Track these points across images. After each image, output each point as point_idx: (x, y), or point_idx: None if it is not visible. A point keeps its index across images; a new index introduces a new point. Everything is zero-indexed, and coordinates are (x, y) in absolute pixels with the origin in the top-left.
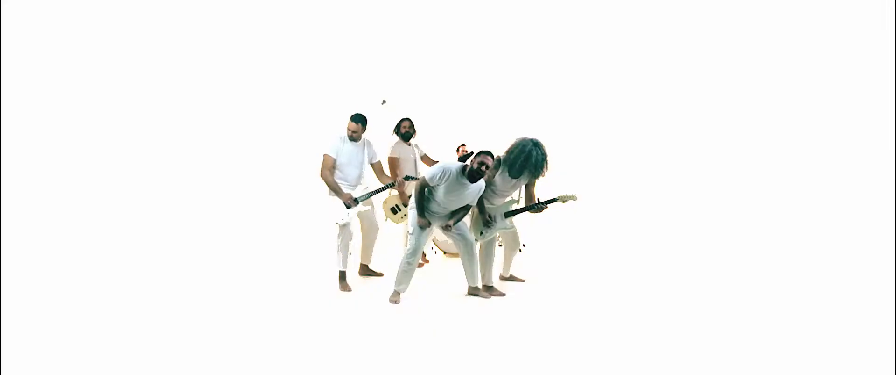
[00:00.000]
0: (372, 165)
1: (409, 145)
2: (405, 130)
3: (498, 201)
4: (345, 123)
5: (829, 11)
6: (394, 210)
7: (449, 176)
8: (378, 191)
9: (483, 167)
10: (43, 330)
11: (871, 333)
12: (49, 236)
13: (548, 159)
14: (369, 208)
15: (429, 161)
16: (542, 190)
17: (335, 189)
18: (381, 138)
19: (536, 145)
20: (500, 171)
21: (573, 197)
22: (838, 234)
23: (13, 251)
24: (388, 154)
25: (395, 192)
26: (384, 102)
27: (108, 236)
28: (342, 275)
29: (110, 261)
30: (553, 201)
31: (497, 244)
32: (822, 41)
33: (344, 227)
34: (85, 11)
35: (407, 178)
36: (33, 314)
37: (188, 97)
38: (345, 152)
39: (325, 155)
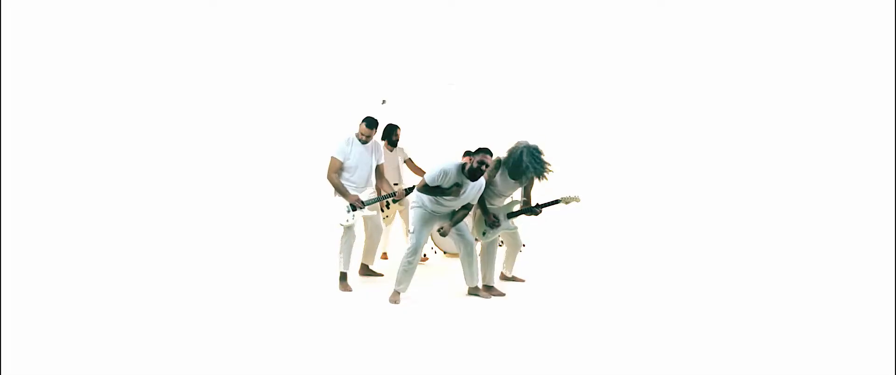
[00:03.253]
0: (377, 167)
1: (392, 151)
2: (397, 139)
3: (498, 202)
4: (349, 125)
5: (829, 11)
6: (387, 205)
7: (448, 176)
8: (383, 198)
9: (483, 166)
10: (44, 330)
11: (871, 333)
12: (50, 235)
13: (546, 162)
14: (375, 212)
15: (412, 165)
16: (544, 192)
17: (341, 191)
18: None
19: (531, 151)
20: (500, 171)
21: (576, 198)
22: (838, 234)
23: (15, 251)
24: None
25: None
26: (384, 102)
27: (109, 235)
28: (343, 276)
29: (112, 261)
30: (556, 202)
31: (498, 244)
32: (821, 41)
33: (348, 229)
34: (91, 11)
35: (407, 191)
36: (34, 314)
37: (192, 98)
38: (353, 154)
39: (332, 158)
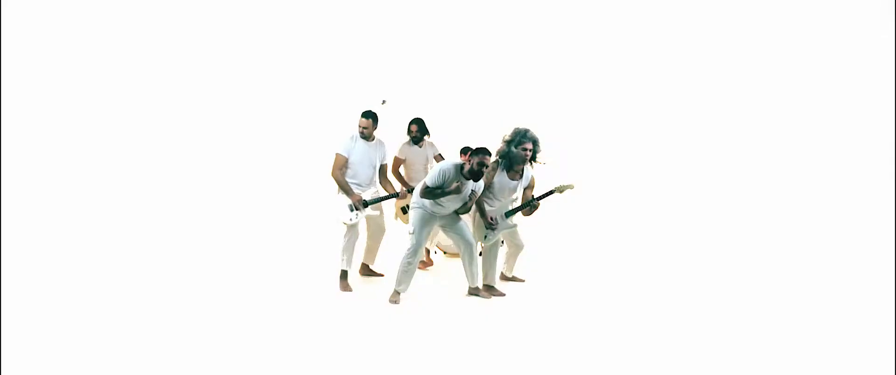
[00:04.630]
0: (381, 166)
1: (421, 146)
2: (414, 135)
3: (497, 204)
4: (353, 122)
5: (829, 11)
6: (404, 210)
7: (447, 177)
8: (387, 198)
9: (482, 167)
10: (44, 330)
11: (870, 333)
12: (51, 235)
13: (538, 142)
14: (378, 212)
15: (441, 159)
16: (540, 185)
17: (345, 189)
18: (386, 138)
19: (527, 133)
20: (497, 173)
21: (570, 186)
22: (838, 233)
23: (16, 251)
24: (395, 153)
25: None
26: (384, 102)
27: (111, 235)
28: (344, 274)
29: (112, 260)
30: (550, 193)
31: (500, 244)
32: (821, 41)
33: (350, 227)
34: (91, 11)
35: (409, 191)
36: (35, 313)
37: (192, 98)
38: (357, 151)
39: (336, 154)
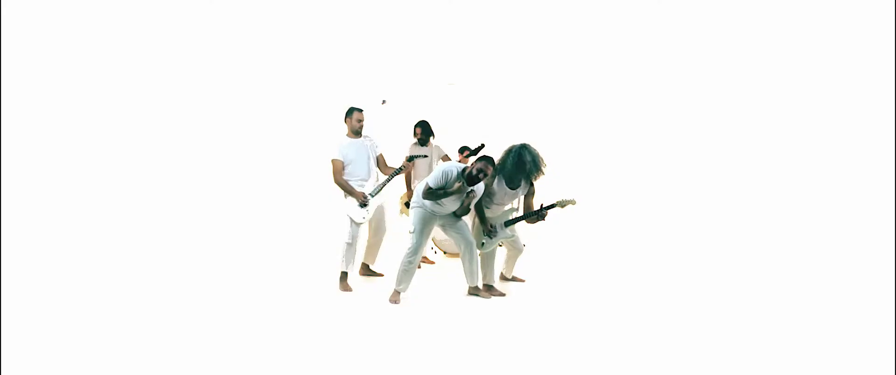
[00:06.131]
0: (377, 158)
1: (428, 146)
2: (419, 137)
3: (497, 210)
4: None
5: (829, 11)
6: (408, 205)
7: (450, 178)
8: (387, 181)
9: (481, 174)
10: (44, 331)
11: (871, 333)
12: (50, 235)
13: (540, 159)
14: (381, 203)
15: (448, 160)
16: (541, 193)
17: (350, 191)
18: (383, 139)
19: (524, 147)
20: (497, 180)
21: (572, 202)
22: (838, 234)
23: (15, 252)
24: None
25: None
26: (384, 102)
27: (110, 235)
28: (343, 275)
29: (112, 261)
30: (552, 206)
31: (497, 244)
32: (821, 41)
33: (353, 227)
34: (88, 11)
35: (410, 158)
36: (35, 314)
37: (192, 98)
38: (351, 151)
39: (333, 160)
